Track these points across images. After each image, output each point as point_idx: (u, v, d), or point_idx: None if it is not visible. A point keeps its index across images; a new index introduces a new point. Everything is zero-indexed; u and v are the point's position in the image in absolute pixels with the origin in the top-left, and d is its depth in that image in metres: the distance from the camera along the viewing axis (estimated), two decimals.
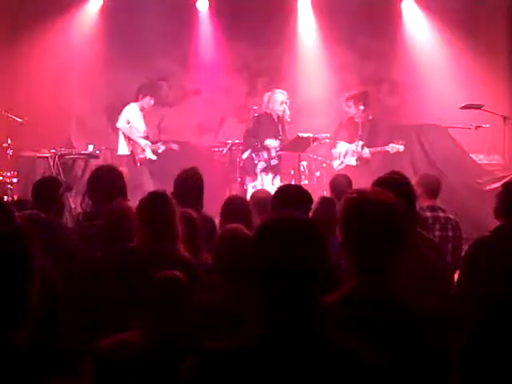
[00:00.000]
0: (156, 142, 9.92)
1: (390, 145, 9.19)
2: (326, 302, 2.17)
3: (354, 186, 8.13)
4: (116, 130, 9.95)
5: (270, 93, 9.43)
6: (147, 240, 3.89)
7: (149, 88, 10.16)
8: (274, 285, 1.87)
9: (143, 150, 9.79)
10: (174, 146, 9.92)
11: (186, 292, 3.16)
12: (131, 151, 9.79)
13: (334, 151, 9.72)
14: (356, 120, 9.52)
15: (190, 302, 3.14)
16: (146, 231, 3.92)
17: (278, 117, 9.33)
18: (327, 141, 9.76)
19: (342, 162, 9.60)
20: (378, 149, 9.34)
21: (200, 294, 3.29)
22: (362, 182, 8.28)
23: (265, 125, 9.27)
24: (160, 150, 9.85)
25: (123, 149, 9.86)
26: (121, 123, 9.82)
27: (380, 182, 3.39)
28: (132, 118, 9.80)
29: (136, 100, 9.90)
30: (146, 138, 9.90)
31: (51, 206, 4.73)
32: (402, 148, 9.11)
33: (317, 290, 1.91)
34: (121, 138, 9.89)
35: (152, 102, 9.98)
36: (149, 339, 3.00)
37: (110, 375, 2.97)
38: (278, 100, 9.28)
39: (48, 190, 4.82)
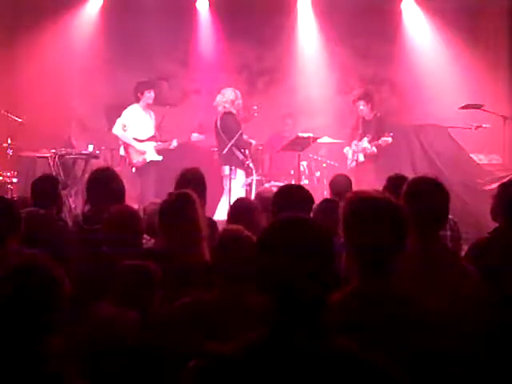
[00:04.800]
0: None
1: (382, 138, 9.25)
2: (329, 302, 2.18)
3: (363, 183, 8.17)
4: None
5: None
6: (173, 242, 3.82)
7: (146, 84, 9.77)
8: (280, 288, 1.87)
9: (142, 153, 9.44)
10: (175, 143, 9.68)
11: (152, 284, 3.19)
12: (126, 157, 9.45)
13: (345, 150, 9.73)
14: (367, 118, 9.56)
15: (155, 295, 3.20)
16: (172, 233, 3.85)
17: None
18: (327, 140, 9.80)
19: (352, 161, 9.60)
20: (374, 143, 9.39)
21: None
22: (371, 179, 8.36)
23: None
24: (172, 146, 9.56)
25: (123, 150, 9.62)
26: (116, 129, 9.50)
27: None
28: (132, 121, 9.46)
29: (137, 100, 9.58)
30: (153, 137, 9.56)
31: (50, 203, 4.77)
32: (390, 140, 9.17)
33: (322, 291, 1.91)
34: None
35: (153, 94, 9.60)
36: None
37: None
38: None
39: (46, 188, 4.85)
